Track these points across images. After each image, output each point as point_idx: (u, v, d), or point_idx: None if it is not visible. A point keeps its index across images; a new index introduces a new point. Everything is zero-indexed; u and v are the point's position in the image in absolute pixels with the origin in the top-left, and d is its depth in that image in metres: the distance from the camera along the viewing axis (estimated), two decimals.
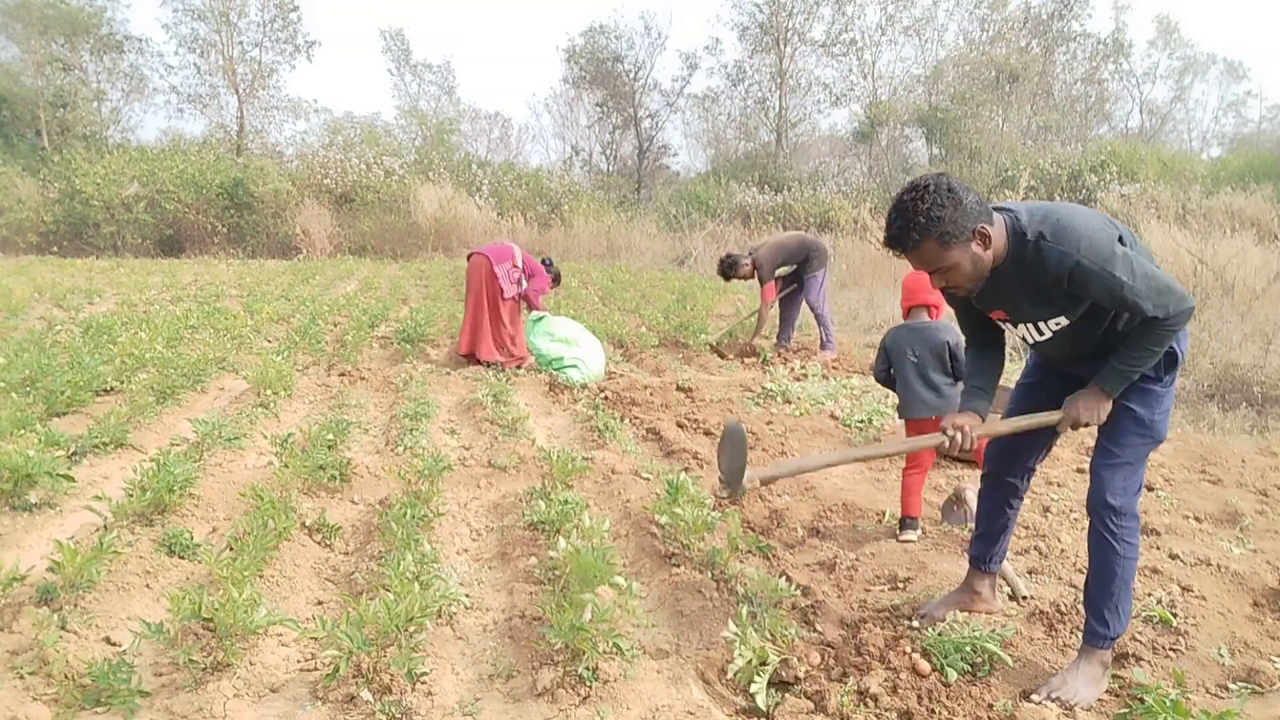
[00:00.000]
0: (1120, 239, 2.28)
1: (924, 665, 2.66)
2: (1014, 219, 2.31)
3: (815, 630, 2.95)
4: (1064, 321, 2.39)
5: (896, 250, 2.30)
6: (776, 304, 8.24)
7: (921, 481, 3.80)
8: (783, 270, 8.05)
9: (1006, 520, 2.92)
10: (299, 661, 2.72)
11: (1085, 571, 2.61)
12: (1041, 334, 2.48)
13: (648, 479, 4.43)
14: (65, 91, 24.68)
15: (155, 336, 7.40)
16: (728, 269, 8.00)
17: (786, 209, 20.40)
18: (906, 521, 3.79)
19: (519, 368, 7.24)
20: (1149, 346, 2.32)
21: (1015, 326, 2.50)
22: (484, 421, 5.51)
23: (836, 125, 36.46)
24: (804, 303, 8.09)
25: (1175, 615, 3.00)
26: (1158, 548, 3.64)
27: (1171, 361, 2.44)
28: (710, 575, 3.26)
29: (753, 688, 2.49)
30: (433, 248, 19.83)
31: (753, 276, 7.99)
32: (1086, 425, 2.45)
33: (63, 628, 2.68)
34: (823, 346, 8.04)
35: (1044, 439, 2.76)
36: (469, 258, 7.42)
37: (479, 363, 7.24)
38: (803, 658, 2.66)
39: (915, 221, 2.19)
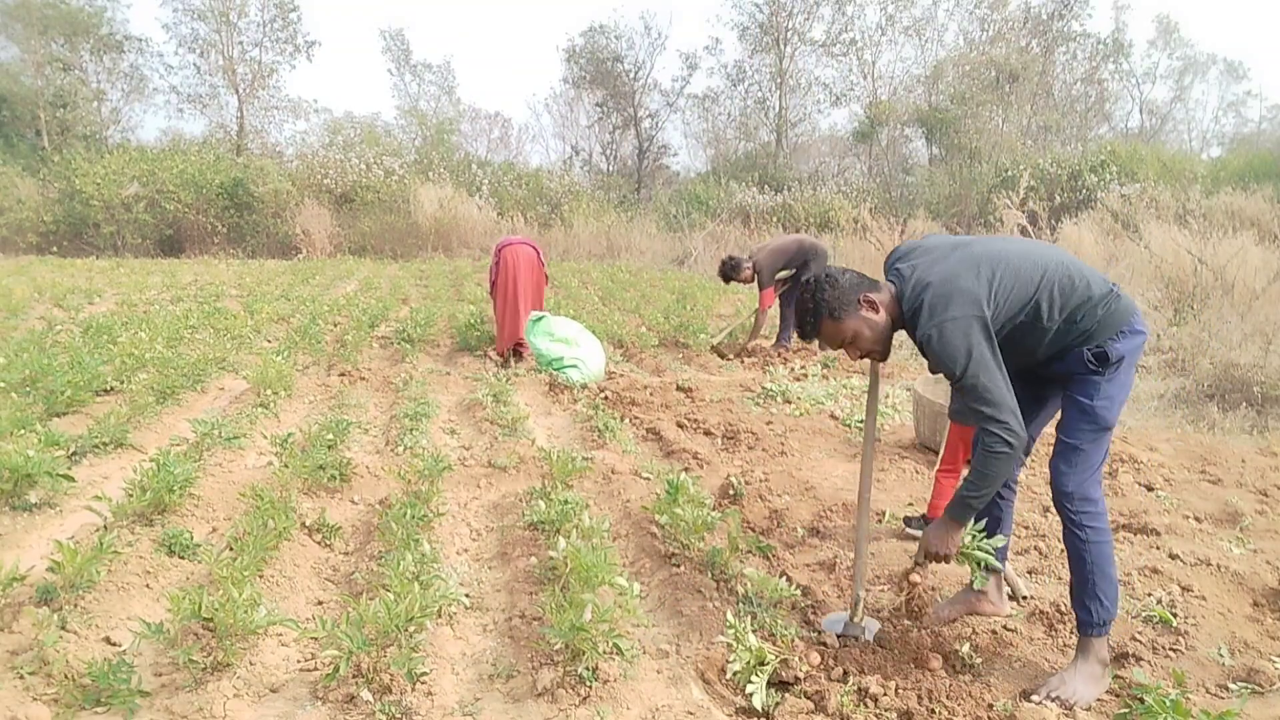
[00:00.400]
0: (984, 325, 2.41)
1: (934, 661, 2.67)
2: (900, 284, 2.59)
3: (815, 630, 2.95)
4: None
5: (809, 340, 2.77)
6: (776, 304, 8.25)
7: (954, 484, 3.77)
8: (783, 274, 8.06)
9: (999, 515, 2.88)
10: (299, 661, 2.72)
11: None
12: None
13: (648, 479, 4.43)
14: (65, 91, 24.68)
15: (155, 336, 7.40)
16: (729, 271, 8.01)
17: (786, 209, 20.40)
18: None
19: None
20: (978, 469, 2.42)
21: None
22: (484, 421, 5.51)
23: (836, 125, 36.45)
24: None
25: (1175, 615, 3.00)
26: (1158, 548, 3.64)
27: (1103, 358, 2.46)
28: (710, 575, 3.26)
29: (749, 688, 2.49)
30: (433, 248, 19.83)
31: (753, 280, 8.00)
32: (942, 558, 2.56)
33: (63, 628, 2.68)
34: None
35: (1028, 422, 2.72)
36: (501, 250, 7.47)
37: (516, 353, 7.38)
38: (803, 657, 2.66)
39: (808, 309, 2.62)
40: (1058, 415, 2.71)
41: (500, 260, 7.40)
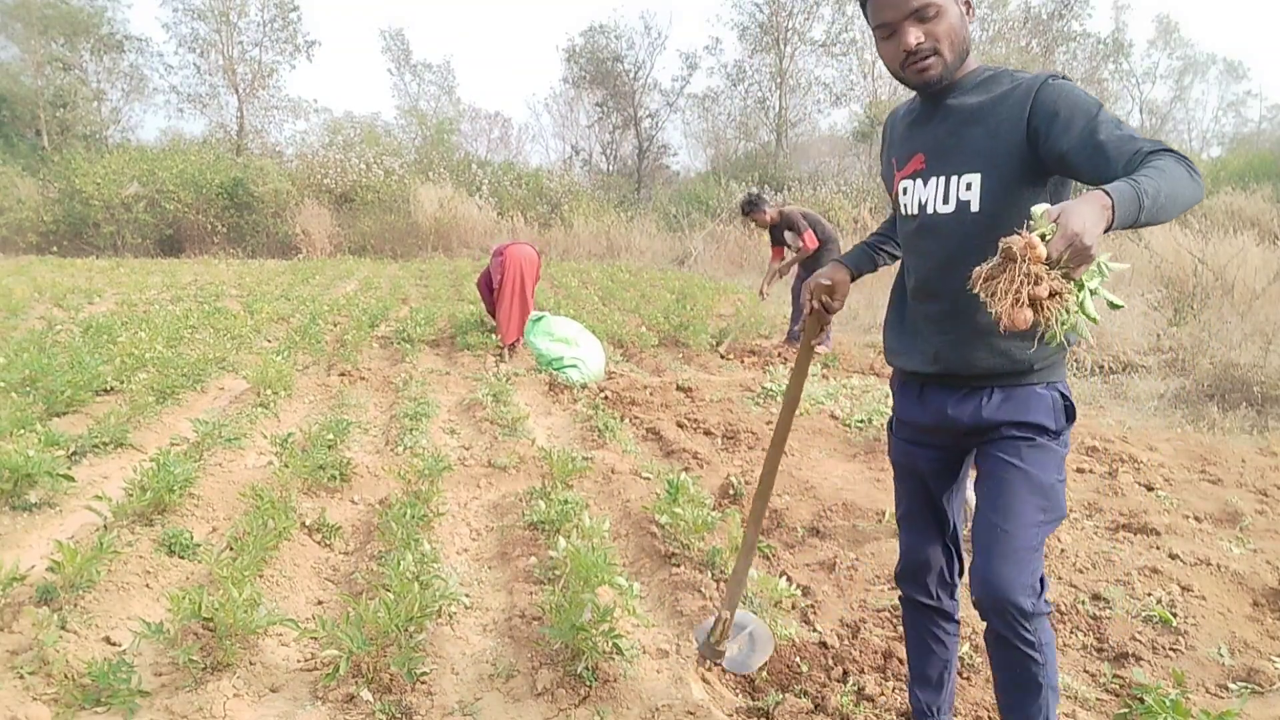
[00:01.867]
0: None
1: None
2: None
3: (815, 630, 2.95)
4: (976, 186, 1.77)
5: None
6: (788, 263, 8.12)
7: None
8: (795, 241, 8.01)
9: (944, 660, 2.15)
10: (299, 661, 2.72)
11: (992, 681, 1.98)
12: (944, 204, 1.84)
13: (648, 479, 4.43)
14: (65, 91, 24.68)
15: (155, 336, 7.40)
16: (750, 207, 7.94)
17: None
18: None
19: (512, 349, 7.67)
20: (1165, 170, 1.51)
21: (925, 184, 1.86)
22: (484, 421, 5.51)
23: (836, 125, 36.42)
24: None
25: (1175, 615, 3.00)
26: (1158, 548, 3.64)
27: (1070, 411, 1.87)
28: (710, 575, 3.26)
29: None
30: (433, 248, 19.84)
31: (768, 226, 7.98)
32: (1074, 252, 1.37)
33: (63, 628, 2.68)
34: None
35: (945, 514, 2.05)
36: (505, 251, 7.74)
37: (511, 349, 7.61)
38: (803, 657, 2.66)
39: None
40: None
41: (506, 259, 7.55)
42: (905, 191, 1.91)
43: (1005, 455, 1.82)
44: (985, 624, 1.84)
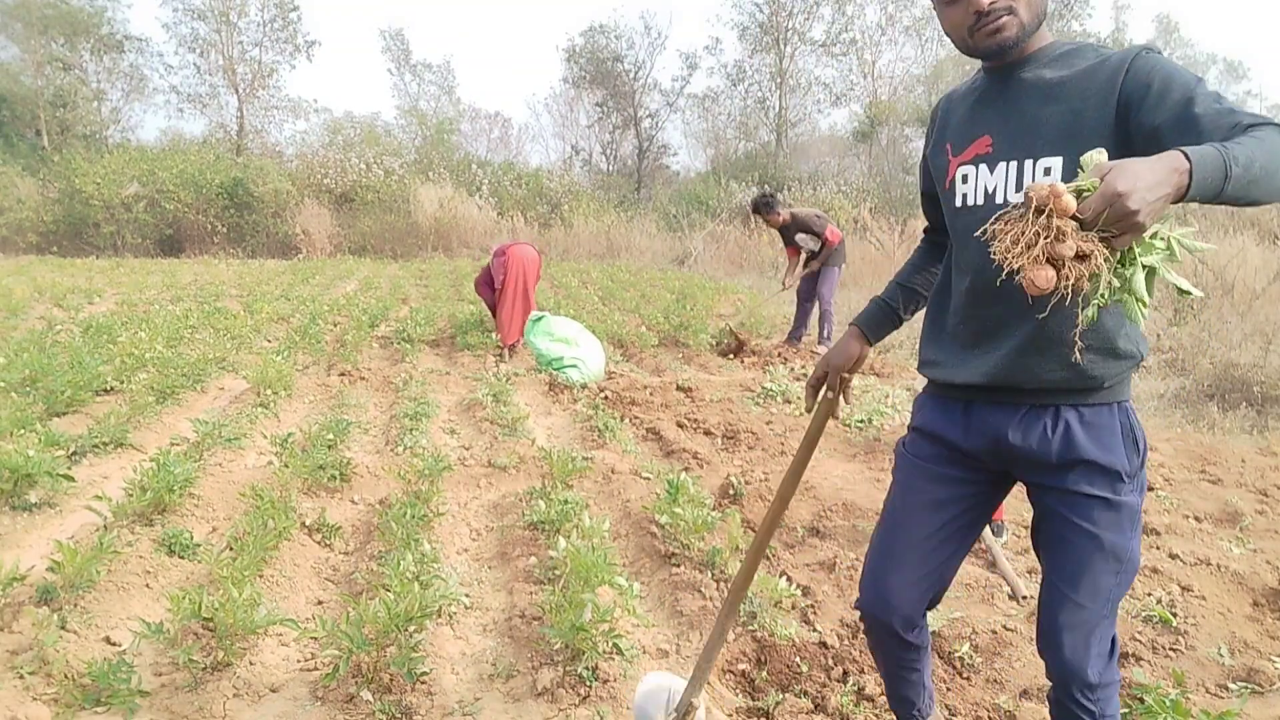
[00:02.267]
0: None
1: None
2: None
3: (815, 630, 2.95)
4: (1056, 171, 1.54)
5: None
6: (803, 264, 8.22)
7: None
8: (809, 243, 8.09)
9: (920, 683, 1.98)
10: (299, 661, 2.72)
11: None
12: (1018, 193, 1.60)
13: (648, 479, 4.43)
14: (65, 91, 24.70)
15: (155, 336, 7.40)
16: (763, 205, 8.04)
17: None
18: (994, 526, 3.66)
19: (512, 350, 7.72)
20: (1261, 141, 1.32)
21: (992, 171, 1.62)
22: (484, 421, 5.51)
23: (836, 125, 36.43)
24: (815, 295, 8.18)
25: (1175, 615, 3.00)
26: (1158, 548, 3.64)
27: (1142, 441, 1.64)
28: (710, 575, 3.26)
29: None
30: (433, 248, 19.84)
31: (779, 227, 8.11)
32: (1114, 215, 1.18)
33: (63, 628, 2.68)
34: (821, 340, 8.12)
35: (946, 552, 1.81)
36: (507, 251, 7.80)
37: (511, 350, 7.66)
38: (803, 657, 2.66)
39: None
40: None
41: (509, 259, 7.59)
42: (965, 179, 1.66)
43: (1076, 518, 1.59)
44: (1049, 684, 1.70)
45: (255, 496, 3.56)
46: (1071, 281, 1.20)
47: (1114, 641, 1.67)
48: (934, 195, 1.83)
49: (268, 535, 3.23)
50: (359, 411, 5.74)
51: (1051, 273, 1.20)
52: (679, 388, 6.59)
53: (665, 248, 19.13)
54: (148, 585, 3.09)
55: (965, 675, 2.68)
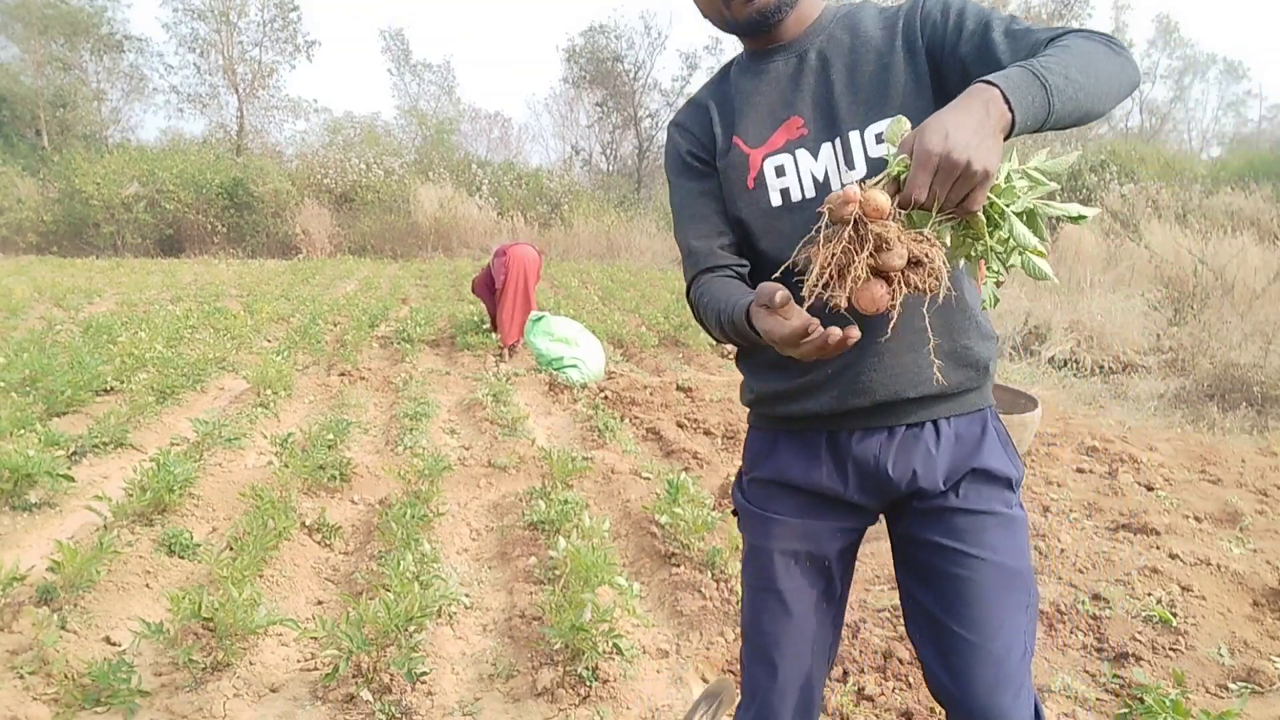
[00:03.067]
0: None
1: None
2: None
3: None
4: (905, 126, 1.13)
5: None
6: None
7: None
8: None
9: None
10: (299, 661, 2.72)
11: None
12: (851, 169, 1.32)
13: (648, 479, 4.43)
14: (65, 91, 24.70)
15: (155, 336, 7.40)
16: None
17: None
18: None
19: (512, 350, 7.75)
20: (1091, 44, 1.18)
21: (816, 154, 1.34)
22: (484, 421, 5.51)
23: None
24: None
25: (1175, 615, 3.00)
26: (1158, 548, 3.64)
27: (1016, 451, 1.45)
28: (710, 575, 3.25)
29: None
30: (433, 248, 19.84)
31: None
32: (947, 180, 1.01)
33: (63, 628, 2.68)
34: None
35: (831, 636, 1.49)
36: (509, 250, 7.83)
37: (511, 350, 7.70)
38: None
39: None
40: None
41: (510, 259, 7.61)
42: (780, 171, 1.36)
43: (965, 545, 1.32)
44: None
45: (255, 496, 3.56)
46: (910, 291, 1.02)
47: (1038, 705, 1.36)
48: (715, 214, 1.43)
49: (268, 535, 3.24)
50: (359, 411, 5.74)
51: (881, 289, 1.00)
52: (679, 388, 6.59)
53: (665, 248, 19.13)
54: (148, 585, 3.09)
55: None
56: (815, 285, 1.01)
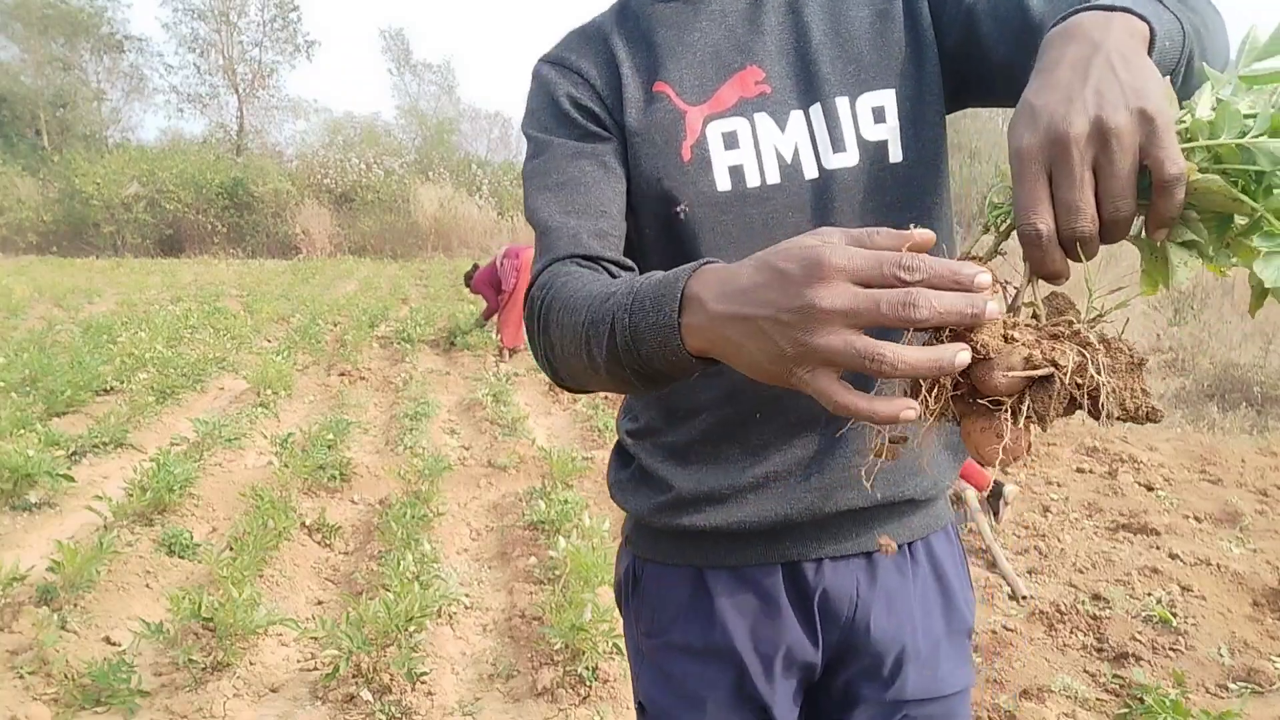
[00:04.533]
0: None
1: None
2: None
3: None
4: (890, 112, 0.90)
5: None
6: None
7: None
8: None
9: None
10: (299, 661, 2.72)
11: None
12: (838, 152, 0.90)
13: None
14: (65, 91, 24.71)
15: (155, 336, 7.41)
16: None
17: None
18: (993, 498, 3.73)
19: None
20: None
21: (783, 124, 0.91)
22: (484, 421, 5.51)
23: None
24: None
25: (1175, 615, 3.00)
26: (1158, 548, 3.64)
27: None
28: None
29: None
30: (433, 248, 19.84)
31: None
32: (1151, 142, 0.53)
33: (63, 628, 2.68)
34: None
35: None
36: (520, 254, 7.75)
37: (513, 352, 7.69)
38: None
39: None
40: None
41: (523, 264, 7.60)
42: (732, 142, 0.91)
43: None
44: None
45: (255, 496, 3.56)
46: (1042, 413, 0.55)
47: None
48: (598, 187, 0.91)
49: (268, 535, 3.24)
50: (359, 411, 5.74)
51: (995, 432, 0.56)
52: None
53: None
54: (148, 585, 3.09)
55: None
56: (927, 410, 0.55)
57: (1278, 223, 0.58)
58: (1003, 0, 0.84)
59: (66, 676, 2.44)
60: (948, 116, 0.94)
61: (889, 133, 0.89)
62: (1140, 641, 2.84)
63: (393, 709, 2.37)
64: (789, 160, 0.90)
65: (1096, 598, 3.18)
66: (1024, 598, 3.19)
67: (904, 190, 0.91)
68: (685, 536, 0.95)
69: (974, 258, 0.59)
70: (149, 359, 6.46)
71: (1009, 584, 3.25)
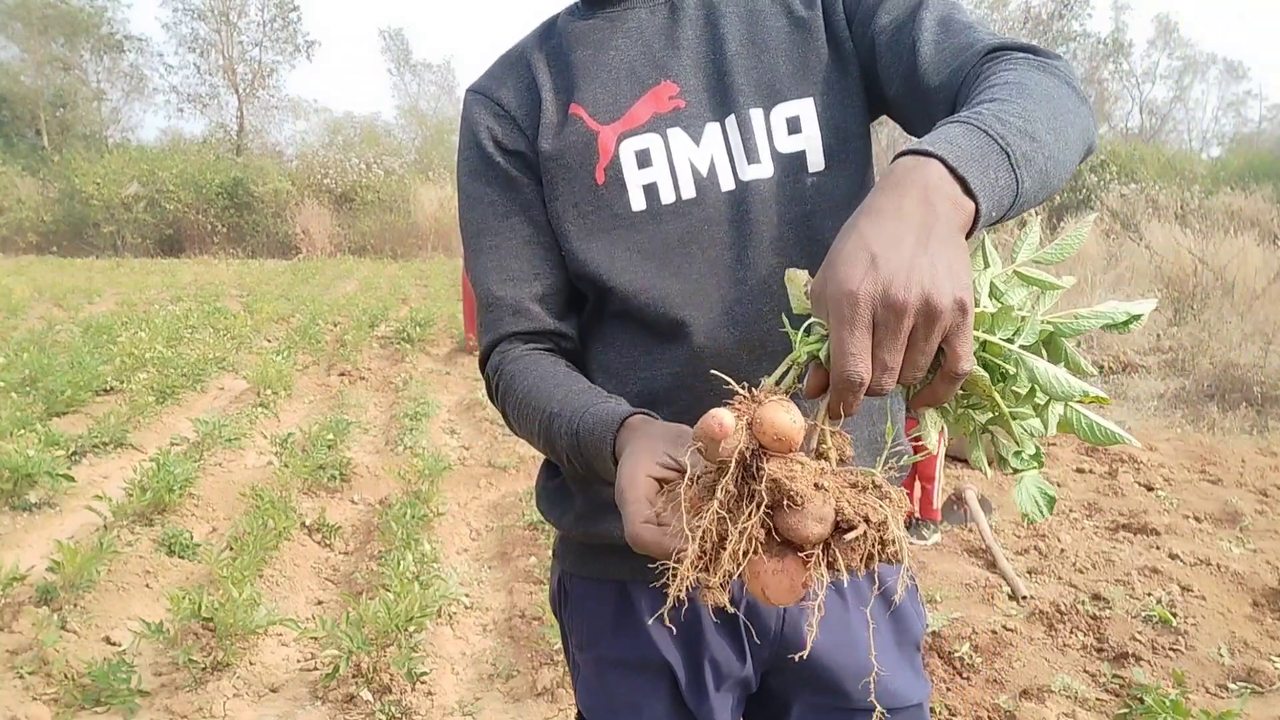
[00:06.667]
0: None
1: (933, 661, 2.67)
2: None
3: None
4: (810, 120, 0.92)
5: None
6: None
7: (930, 490, 3.74)
8: None
9: None
10: (299, 661, 2.72)
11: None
12: (753, 163, 0.91)
13: None
14: (65, 91, 24.73)
15: (155, 336, 7.41)
16: None
17: None
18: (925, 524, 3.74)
19: None
20: (1051, 82, 0.78)
21: (697, 138, 0.92)
22: (484, 421, 5.51)
23: None
24: None
25: (1175, 615, 3.00)
26: (1158, 548, 3.64)
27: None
28: None
29: None
30: (433, 248, 19.84)
31: None
32: (906, 331, 0.57)
33: (63, 628, 2.68)
34: None
35: None
36: None
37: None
38: None
39: None
40: None
41: None
42: (645, 160, 0.92)
43: None
44: None
45: (255, 496, 3.56)
46: (838, 575, 0.58)
47: None
48: (529, 244, 0.97)
49: (268, 535, 3.24)
50: (359, 411, 5.74)
51: (790, 577, 0.58)
52: None
53: None
54: (148, 585, 3.09)
55: (965, 675, 2.68)
56: (689, 568, 0.57)
57: (1016, 429, 0.69)
58: (901, 35, 0.88)
59: (66, 676, 2.45)
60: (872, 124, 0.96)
61: (806, 142, 0.91)
62: (1140, 641, 2.84)
63: (393, 709, 2.37)
64: (705, 174, 0.92)
65: (1096, 598, 3.18)
66: (1024, 598, 3.19)
67: (824, 199, 0.91)
68: (605, 550, 0.96)
69: (781, 388, 0.64)
70: (149, 359, 6.46)
71: (1009, 584, 3.25)
